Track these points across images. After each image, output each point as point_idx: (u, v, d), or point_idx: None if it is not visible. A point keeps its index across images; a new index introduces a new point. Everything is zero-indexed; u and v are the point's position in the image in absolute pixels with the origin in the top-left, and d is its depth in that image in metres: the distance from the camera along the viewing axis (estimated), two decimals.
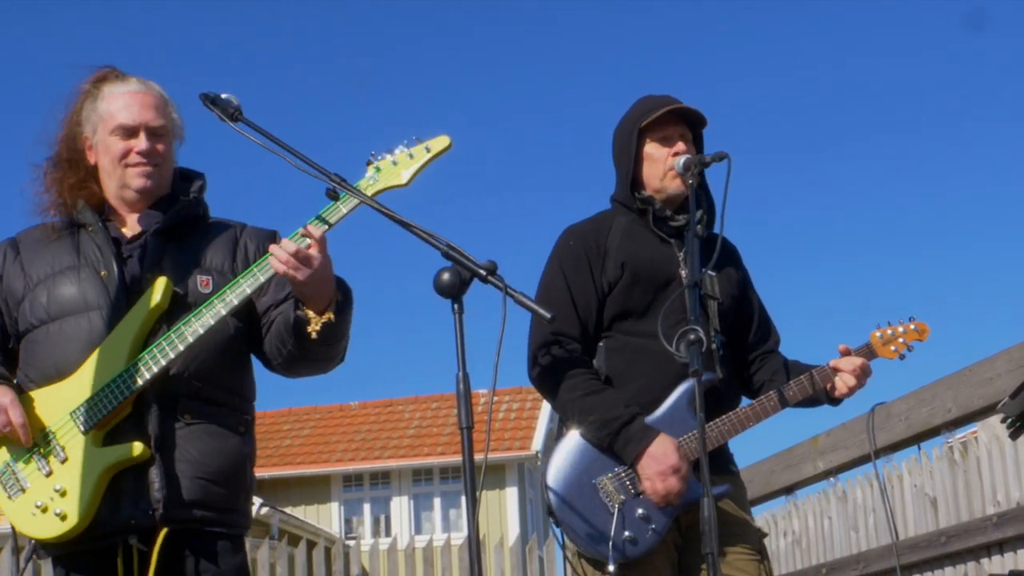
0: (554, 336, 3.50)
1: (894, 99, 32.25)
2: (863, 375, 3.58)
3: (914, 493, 5.59)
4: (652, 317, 3.49)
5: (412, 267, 29.58)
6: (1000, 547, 4.86)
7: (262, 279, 3.06)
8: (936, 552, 5.20)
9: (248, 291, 3.06)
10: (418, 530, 21.91)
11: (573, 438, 3.50)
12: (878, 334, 3.64)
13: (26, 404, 3.10)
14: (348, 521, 22.86)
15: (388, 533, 21.62)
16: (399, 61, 32.49)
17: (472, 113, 32.00)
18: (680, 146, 3.59)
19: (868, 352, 3.62)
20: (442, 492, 22.74)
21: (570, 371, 3.49)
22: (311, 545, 10.35)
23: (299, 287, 3.02)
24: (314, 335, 3.04)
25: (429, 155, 3.12)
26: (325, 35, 32.00)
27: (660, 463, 3.40)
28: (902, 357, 3.65)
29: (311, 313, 3.05)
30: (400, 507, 22.77)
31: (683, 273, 3.54)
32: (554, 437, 3.63)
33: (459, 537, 10.66)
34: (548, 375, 3.52)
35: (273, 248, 3.01)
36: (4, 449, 3.11)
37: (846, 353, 3.59)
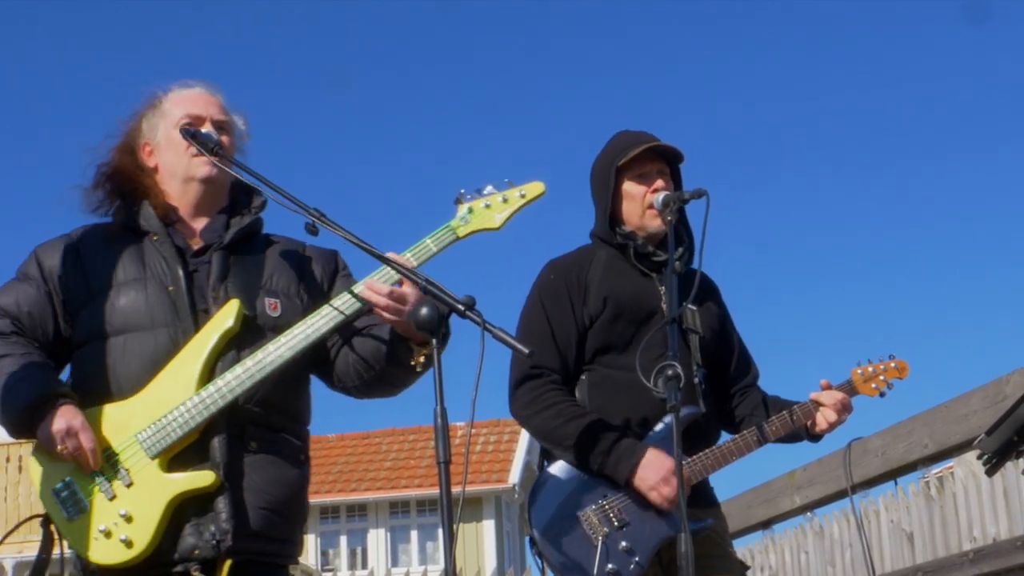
0: (534, 369, 3.52)
1: (871, 130, 32.46)
2: (844, 411, 3.61)
3: (891, 528, 5.60)
4: (634, 351, 3.49)
5: None
6: None
7: (348, 313, 3.04)
8: None
9: (331, 325, 3.03)
10: (395, 563, 21.79)
11: (556, 470, 3.51)
12: (859, 371, 3.67)
13: (89, 422, 2.96)
14: (324, 553, 22.73)
15: (365, 566, 21.48)
16: (379, 81, 32.58)
17: (452, 143, 32.10)
18: (659, 183, 3.61)
19: (849, 389, 3.64)
20: (419, 525, 22.63)
21: (552, 401, 3.50)
22: None
23: (398, 325, 3.01)
24: (419, 368, 3.03)
25: (523, 201, 3.14)
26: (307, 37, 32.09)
27: (658, 470, 3.41)
28: (882, 395, 3.68)
29: (415, 346, 3.02)
30: (377, 539, 22.66)
31: (665, 307, 3.55)
32: (533, 470, 3.63)
33: (436, 570, 10.60)
34: (529, 407, 3.52)
35: (366, 294, 2.98)
36: (63, 465, 2.97)
37: (827, 389, 3.61)
